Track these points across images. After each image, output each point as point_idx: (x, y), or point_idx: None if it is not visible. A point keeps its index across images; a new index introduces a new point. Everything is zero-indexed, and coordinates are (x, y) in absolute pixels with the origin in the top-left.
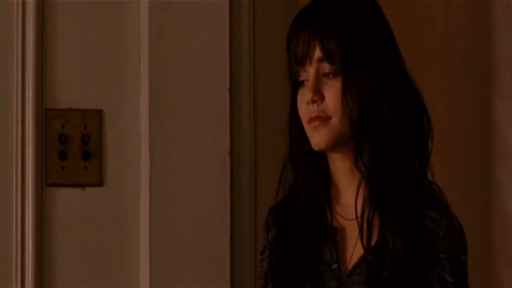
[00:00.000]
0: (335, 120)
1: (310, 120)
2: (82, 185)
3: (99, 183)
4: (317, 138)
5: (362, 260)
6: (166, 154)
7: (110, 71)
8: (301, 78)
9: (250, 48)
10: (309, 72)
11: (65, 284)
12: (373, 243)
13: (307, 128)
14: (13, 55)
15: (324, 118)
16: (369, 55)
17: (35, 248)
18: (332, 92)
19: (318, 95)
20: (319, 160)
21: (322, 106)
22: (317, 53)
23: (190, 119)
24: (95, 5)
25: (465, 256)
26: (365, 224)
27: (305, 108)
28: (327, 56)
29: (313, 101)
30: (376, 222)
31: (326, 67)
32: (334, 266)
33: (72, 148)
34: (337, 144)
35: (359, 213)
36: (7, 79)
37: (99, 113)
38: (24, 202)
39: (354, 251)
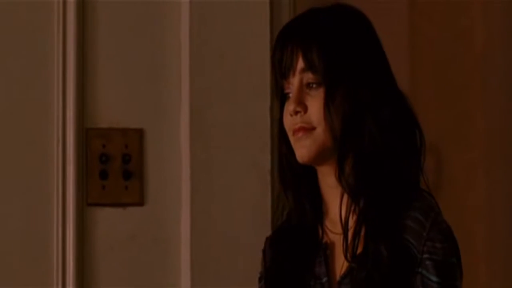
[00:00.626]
0: (319, 131)
1: (294, 132)
2: (123, 205)
3: (140, 202)
4: (300, 149)
5: (349, 271)
6: (207, 173)
7: (151, 90)
8: (286, 91)
9: None
10: (293, 84)
11: None
12: (358, 252)
13: (292, 140)
14: (54, 75)
15: (307, 129)
16: (352, 66)
17: (76, 268)
18: (315, 102)
19: (301, 106)
20: (309, 175)
21: (306, 117)
22: (300, 64)
23: (231, 138)
24: (135, 25)
25: (452, 259)
26: (349, 236)
27: (290, 120)
28: (310, 66)
29: (296, 112)
30: (362, 233)
31: (309, 77)
32: (324, 279)
33: (113, 167)
34: (321, 156)
35: (343, 226)
36: (48, 99)
37: (140, 132)
38: (65, 221)
39: (344, 264)
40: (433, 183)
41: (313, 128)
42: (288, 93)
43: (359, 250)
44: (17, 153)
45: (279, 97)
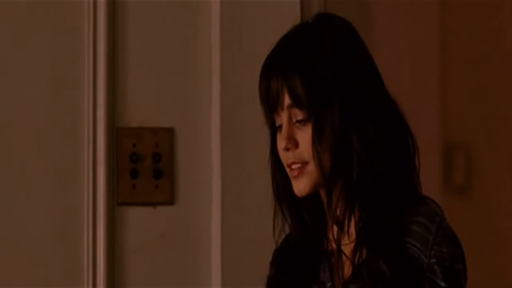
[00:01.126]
0: (311, 166)
1: (288, 166)
2: (154, 204)
3: (171, 201)
4: (298, 186)
5: (353, 276)
6: (237, 171)
7: (181, 88)
8: (277, 124)
9: None
10: (282, 118)
11: None
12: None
13: (287, 171)
14: (84, 75)
15: (301, 166)
16: (338, 94)
17: (106, 267)
18: (305, 138)
19: (292, 142)
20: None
21: (297, 153)
22: (287, 100)
23: (261, 136)
24: (165, 24)
25: (459, 265)
26: (350, 249)
27: (283, 154)
28: (297, 103)
29: (287, 149)
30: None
31: (298, 113)
32: (328, 284)
33: (143, 166)
34: (319, 186)
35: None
36: (78, 99)
37: (170, 131)
38: (96, 221)
39: (348, 271)
40: (463, 183)
41: (306, 163)
42: (280, 126)
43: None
44: (48, 153)
45: (269, 125)
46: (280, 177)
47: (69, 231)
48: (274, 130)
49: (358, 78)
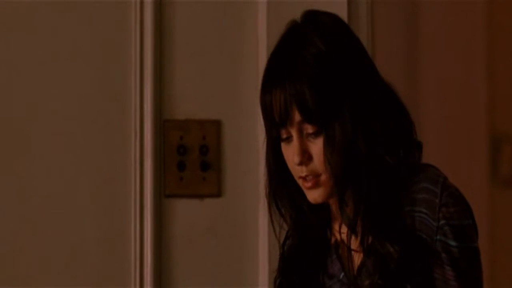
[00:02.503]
0: (325, 177)
1: (301, 178)
2: (201, 196)
3: (218, 193)
4: (313, 195)
5: (363, 264)
6: None
7: (228, 81)
8: (284, 136)
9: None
10: (290, 132)
11: None
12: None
13: (299, 182)
14: (131, 67)
15: (315, 179)
16: (346, 98)
17: (154, 259)
18: (318, 150)
19: (306, 156)
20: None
21: (311, 166)
22: (297, 117)
23: None
24: (212, 15)
25: (468, 221)
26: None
27: (296, 168)
28: (308, 119)
29: (301, 164)
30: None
31: (308, 128)
32: (341, 275)
33: (190, 159)
34: (332, 193)
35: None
36: (125, 92)
37: (217, 123)
38: (143, 213)
39: (357, 260)
40: (510, 175)
41: (319, 175)
42: (287, 138)
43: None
44: (96, 146)
45: (271, 136)
46: (275, 166)
47: (116, 222)
48: (274, 138)
49: (361, 77)
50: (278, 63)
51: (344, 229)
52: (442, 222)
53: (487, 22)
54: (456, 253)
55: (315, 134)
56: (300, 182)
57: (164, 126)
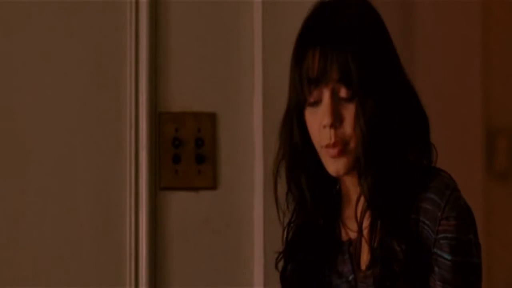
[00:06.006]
0: (352, 145)
1: (328, 147)
2: (196, 189)
3: (213, 186)
4: (336, 166)
5: (370, 266)
6: None
7: (223, 74)
8: (312, 99)
9: None
10: (322, 92)
11: (179, 286)
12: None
13: (322, 151)
14: (127, 60)
15: (342, 147)
16: (382, 75)
17: (148, 251)
18: (349, 115)
19: (338, 119)
20: (322, 178)
21: (340, 131)
22: (335, 74)
23: None
24: (208, 6)
25: (468, 235)
26: (365, 234)
27: (322, 132)
28: (345, 79)
29: (332, 126)
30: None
31: (343, 90)
32: (351, 277)
33: (185, 151)
34: (355, 167)
35: (359, 225)
36: (120, 84)
37: (212, 116)
38: (138, 205)
39: (365, 260)
40: (505, 168)
41: (347, 144)
42: (315, 102)
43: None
44: (91, 139)
45: (298, 99)
46: (301, 143)
47: (111, 215)
48: (298, 108)
49: (394, 54)
50: (323, 23)
51: (353, 224)
52: (440, 235)
53: (482, 16)
54: (450, 267)
55: (349, 99)
56: (323, 152)
57: (159, 118)
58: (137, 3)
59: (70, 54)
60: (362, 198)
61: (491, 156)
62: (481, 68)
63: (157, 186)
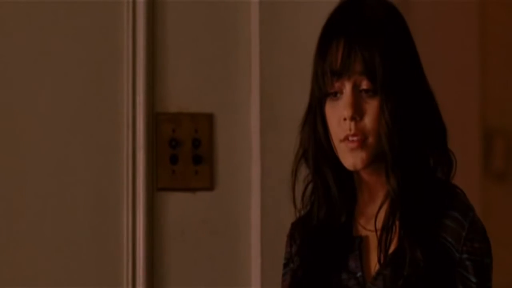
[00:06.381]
0: (371, 140)
1: (347, 139)
2: (193, 189)
3: (210, 187)
4: (354, 159)
5: (383, 266)
6: (276, 157)
7: (220, 75)
8: (332, 90)
9: None
10: (344, 85)
11: (176, 287)
12: (391, 251)
13: (341, 146)
14: (124, 60)
15: (362, 140)
16: (405, 73)
17: (146, 252)
18: (371, 109)
19: (358, 112)
20: (343, 172)
21: (361, 125)
22: (358, 66)
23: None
24: (205, 7)
25: (488, 259)
26: (384, 235)
27: (342, 125)
28: (368, 72)
29: (352, 119)
30: (395, 232)
31: (365, 83)
32: (359, 274)
33: (183, 152)
34: (372, 162)
35: (379, 225)
36: (117, 84)
37: (210, 117)
38: (135, 206)
39: (376, 259)
40: (502, 169)
41: (366, 138)
42: (335, 93)
43: (392, 248)
44: (88, 139)
45: (322, 94)
46: (327, 153)
47: (109, 215)
48: (320, 102)
49: (418, 57)
50: (344, 14)
51: (368, 223)
52: (465, 256)
53: (479, 16)
54: None
55: (371, 92)
56: (341, 146)
57: (157, 119)
58: (134, 3)
59: (67, 54)
60: (383, 197)
61: (488, 157)
62: (478, 68)
63: (154, 187)
